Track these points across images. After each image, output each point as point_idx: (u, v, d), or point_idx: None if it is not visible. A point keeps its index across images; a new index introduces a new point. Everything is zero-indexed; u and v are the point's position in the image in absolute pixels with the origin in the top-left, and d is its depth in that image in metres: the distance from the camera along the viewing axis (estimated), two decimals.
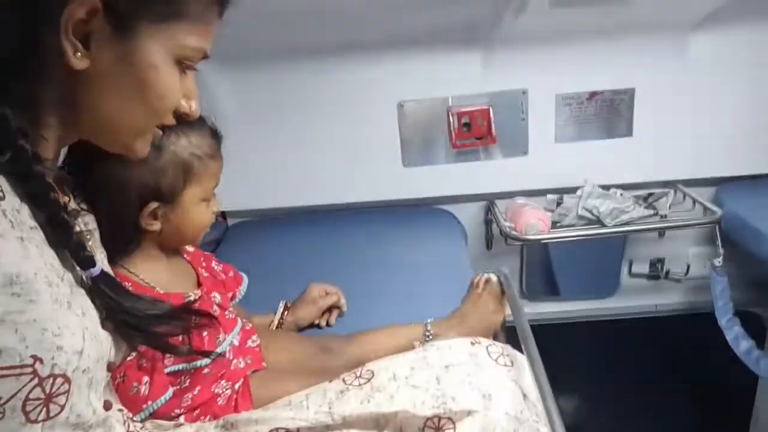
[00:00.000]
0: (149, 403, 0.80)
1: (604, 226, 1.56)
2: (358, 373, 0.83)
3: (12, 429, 0.50)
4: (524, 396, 0.80)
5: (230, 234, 1.72)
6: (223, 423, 0.81)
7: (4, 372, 0.48)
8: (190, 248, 0.99)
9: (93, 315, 0.58)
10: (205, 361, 0.86)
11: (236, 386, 0.91)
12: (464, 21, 1.49)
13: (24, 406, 0.50)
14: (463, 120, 1.61)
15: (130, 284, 0.81)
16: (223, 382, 0.90)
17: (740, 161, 1.68)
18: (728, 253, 1.56)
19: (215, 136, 0.89)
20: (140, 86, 0.58)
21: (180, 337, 0.76)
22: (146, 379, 0.80)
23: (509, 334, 1.10)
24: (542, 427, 0.77)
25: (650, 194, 1.65)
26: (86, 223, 0.69)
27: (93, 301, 0.59)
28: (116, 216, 0.79)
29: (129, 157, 0.67)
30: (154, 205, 0.83)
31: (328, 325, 1.20)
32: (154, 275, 0.87)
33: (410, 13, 1.45)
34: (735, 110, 1.63)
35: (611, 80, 1.62)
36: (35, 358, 0.50)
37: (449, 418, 0.75)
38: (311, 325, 1.20)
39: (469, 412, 0.75)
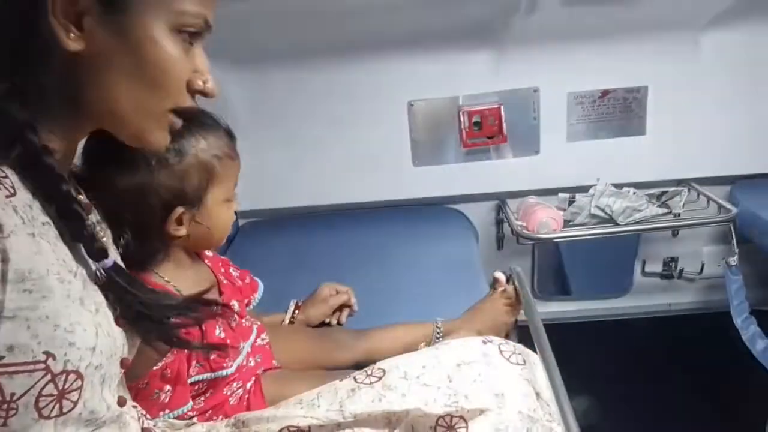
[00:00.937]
0: (167, 411, 0.80)
1: (617, 224, 1.54)
2: (369, 372, 0.82)
3: (25, 425, 0.51)
4: (537, 395, 0.79)
5: (241, 233, 1.72)
6: (234, 422, 0.81)
7: (17, 368, 0.48)
8: (209, 252, 0.99)
9: (106, 311, 0.58)
10: (229, 370, 0.86)
11: (248, 386, 0.91)
12: (474, 20, 1.49)
13: (37, 402, 0.50)
14: (474, 119, 1.61)
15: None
16: (234, 383, 0.90)
17: (755, 159, 1.66)
18: (743, 252, 1.54)
19: (230, 136, 0.89)
20: (140, 62, 0.55)
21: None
22: (168, 388, 0.80)
23: (522, 334, 1.09)
24: (556, 426, 0.76)
25: (663, 192, 1.63)
26: (98, 221, 0.69)
27: (106, 296, 0.59)
28: (142, 225, 0.78)
29: (148, 148, 0.63)
30: (180, 210, 0.82)
31: (338, 323, 1.20)
32: (182, 282, 0.86)
33: (420, 11, 1.45)
34: (749, 108, 1.61)
35: (624, 78, 1.61)
36: (48, 354, 0.50)
37: (461, 417, 0.74)
38: (322, 324, 1.20)
39: (482, 411, 0.74)
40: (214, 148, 0.84)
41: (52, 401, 0.51)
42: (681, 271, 1.82)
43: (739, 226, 1.56)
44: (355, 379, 0.81)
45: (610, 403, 1.59)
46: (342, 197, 1.72)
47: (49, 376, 0.50)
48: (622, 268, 1.83)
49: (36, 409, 0.50)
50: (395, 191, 1.71)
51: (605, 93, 1.61)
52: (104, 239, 0.65)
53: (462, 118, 1.61)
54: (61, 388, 0.51)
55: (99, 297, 0.58)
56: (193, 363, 0.83)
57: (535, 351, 0.86)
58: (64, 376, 0.51)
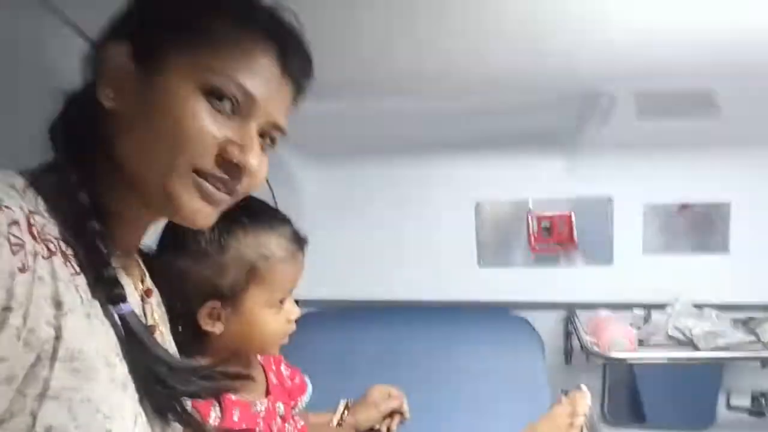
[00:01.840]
0: None
1: (697, 349, 1.42)
2: None
3: None
4: None
5: (297, 324, 1.70)
6: None
7: None
8: None
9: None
10: None
11: None
12: (547, 126, 1.49)
13: None
14: (543, 224, 1.57)
15: None
16: None
17: None
18: None
19: (296, 240, 0.82)
20: (163, 119, 0.53)
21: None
22: None
23: None
24: None
25: (750, 319, 1.51)
26: (159, 303, 0.68)
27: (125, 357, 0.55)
28: (175, 309, 0.73)
29: (183, 216, 0.56)
30: (213, 303, 0.77)
31: (388, 431, 1.13)
32: None
33: (494, 117, 1.46)
34: None
35: (704, 193, 1.55)
36: None
37: None
38: (371, 430, 1.13)
39: None
40: (264, 248, 0.78)
41: None
42: None
43: None
44: None
45: None
46: (403, 293, 1.69)
47: None
48: (704, 399, 1.67)
49: None
50: (458, 292, 1.67)
51: (684, 206, 1.55)
52: (161, 327, 0.64)
53: (531, 222, 1.57)
54: None
55: None
56: None
57: None
58: None
